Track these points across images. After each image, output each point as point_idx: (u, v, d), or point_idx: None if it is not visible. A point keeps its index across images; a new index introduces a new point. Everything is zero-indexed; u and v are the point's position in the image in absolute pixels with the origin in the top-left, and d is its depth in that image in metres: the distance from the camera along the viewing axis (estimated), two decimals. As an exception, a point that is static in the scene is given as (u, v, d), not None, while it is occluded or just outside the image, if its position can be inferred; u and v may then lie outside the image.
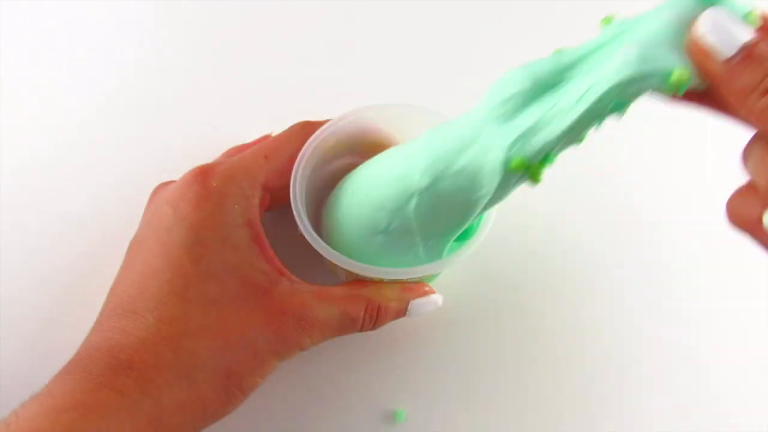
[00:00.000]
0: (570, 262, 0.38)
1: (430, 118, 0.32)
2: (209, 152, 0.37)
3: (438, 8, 0.45)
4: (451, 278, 0.36)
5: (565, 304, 0.37)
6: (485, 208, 0.29)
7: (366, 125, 0.33)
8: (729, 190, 0.23)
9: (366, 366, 0.35)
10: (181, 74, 0.42)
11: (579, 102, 0.24)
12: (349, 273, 0.31)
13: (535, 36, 0.44)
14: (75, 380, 0.27)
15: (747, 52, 0.21)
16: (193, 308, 0.28)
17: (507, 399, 0.35)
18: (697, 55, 0.22)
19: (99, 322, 0.30)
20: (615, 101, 0.24)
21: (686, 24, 0.23)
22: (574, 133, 0.25)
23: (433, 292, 0.33)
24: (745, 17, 0.22)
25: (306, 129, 0.33)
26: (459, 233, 0.30)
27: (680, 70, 0.22)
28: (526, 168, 0.26)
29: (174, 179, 0.33)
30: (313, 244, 0.30)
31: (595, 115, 0.24)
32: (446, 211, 0.29)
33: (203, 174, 0.31)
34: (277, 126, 0.35)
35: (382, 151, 0.31)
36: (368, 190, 0.30)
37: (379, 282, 0.31)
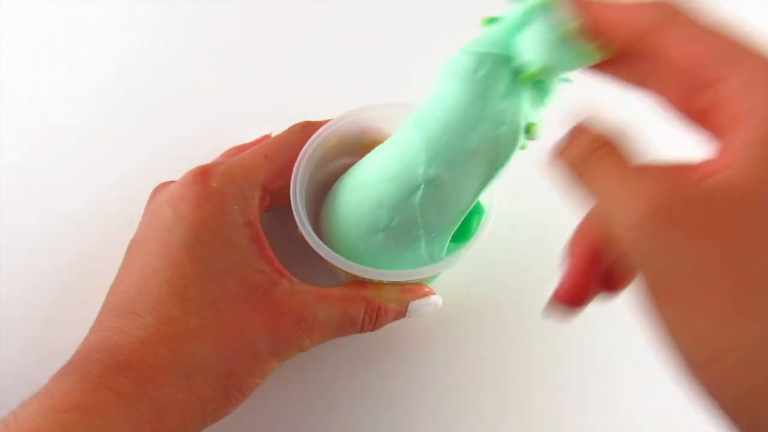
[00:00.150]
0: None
1: None
2: (209, 152, 0.37)
3: (439, 8, 0.45)
4: (450, 279, 0.36)
5: (565, 305, 0.37)
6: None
7: (366, 125, 0.33)
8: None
9: (365, 367, 0.35)
10: (181, 74, 0.42)
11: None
12: (349, 274, 0.31)
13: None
14: (74, 380, 0.27)
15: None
16: (193, 308, 0.28)
17: (507, 399, 0.35)
18: None
19: (98, 322, 0.30)
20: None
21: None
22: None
23: (433, 293, 0.33)
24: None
25: (306, 129, 0.33)
26: (461, 221, 0.30)
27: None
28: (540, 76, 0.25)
29: (174, 179, 0.33)
30: (313, 246, 0.30)
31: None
32: (456, 197, 0.29)
33: (203, 174, 0.31)
34: (277, 126, 0.35)
35: None
36: (366, 189, 0.30)
37: (379, 283, 0.31)
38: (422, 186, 0.28)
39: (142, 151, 0.40)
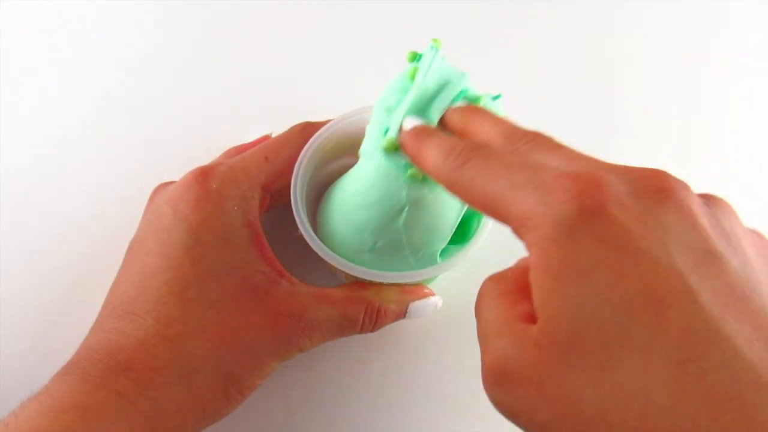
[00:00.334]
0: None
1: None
2: (209, 152, 0.37)
3: (440, 8, 0.44)
4: (450, 280, 0.36)
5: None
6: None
7: (367, 126, 0.33)
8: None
9: (365, 367, 0.35)
10: (181, 74, 0.42)
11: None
12: (348, 274, 0.31)
13: (538, 35, 0.44)
14: (74, 381, 0.27)
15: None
16: (193, 309, 0.28)
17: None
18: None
19: (98, 323, 0.30)
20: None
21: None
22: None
23: (433, 294, 0.33)
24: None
25: (307, 130, 0.33)
26: (449, 240, 0.30)
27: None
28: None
29: (174, 179, 0.33)
30: (313, 246, 0.30)
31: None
32: (442, 215, 0.29)
33: (203, 175, 0.31)
34: (277, 126, 0.35)
35: None
36: (347, 214, 0.30)
37: (379, 284, 0.31)
38: (406, 208, 0.28)
39: (142, 151, 0.40)
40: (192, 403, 0.27)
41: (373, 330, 0.32)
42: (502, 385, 0.20)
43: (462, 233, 0.31)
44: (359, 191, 0.29)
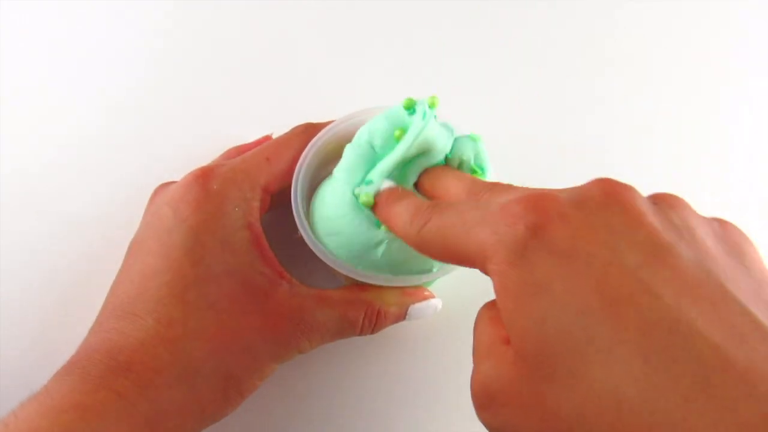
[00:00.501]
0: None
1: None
2: (210, 153, 0.37)
3: (443, 9, 0.44)
4: (450, 282, 0.36)
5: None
6: None
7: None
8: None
9: (364, 369, 0.35)
10: (182, 74, 0.42)
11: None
12: (348, 276, 0.31)
13: (538, 35, 0.44)
14: (73, 381, 0.27)
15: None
16: (192, 310, 0.28)
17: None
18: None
19: (98, 323, 0.30)
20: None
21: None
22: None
23: (433, 297, 0.33)
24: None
25: (308, 131, 0.33)
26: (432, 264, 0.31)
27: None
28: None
29: (174, 179, 0.33)
30: (313, 249, 0.30)
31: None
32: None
33: (204, 176, 0.31)
34: (277, 127, 0.35)
35: None
36: (326, 231, 0.31)
37: (379, 286, 0.31)
38: (385, 242, 0.29)
39: (143, 151, 0.40)
40: (191, 405, 0.27)
41: (372, 332, 0.32)
42: (488, 407, 0.20)
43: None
44: (331, 217, 0.30)
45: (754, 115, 0.43)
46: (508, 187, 0.24)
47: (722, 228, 0.22)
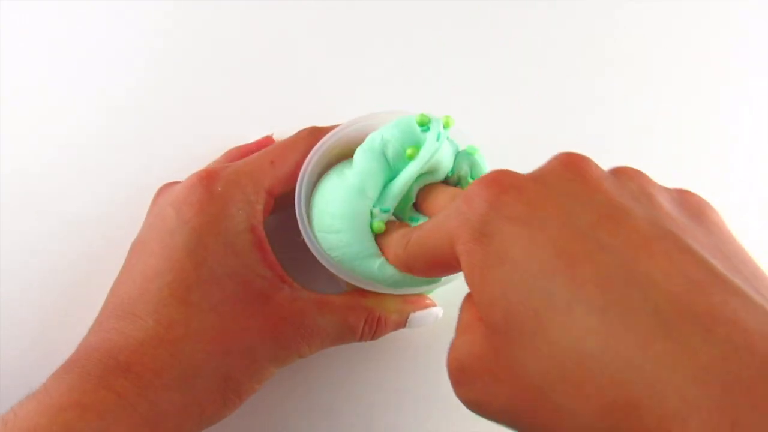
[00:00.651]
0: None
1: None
2: (211, 153, 0.37)
3: (443, 9, 0.44)
4: (452, 290, 0.36)
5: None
6: None
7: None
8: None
9: (363, 374, 0.35)
10: (183, 74, 0.42)
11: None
12: (349, 282, 0.31)
13: (538, 35, 0.44)
14: (73, 379, 0.27)
15: None
16: (193, 312, 0.28)
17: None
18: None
19: (98, 322, 0.30)
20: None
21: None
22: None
23: (434, 305, 0.33)
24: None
25: (313, 135, 0.33)
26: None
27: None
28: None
29: (176, 179, 0.33)
30: (315, 253, 0.30)
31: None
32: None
33: (208, 177, 0.31)
34: (278, 127, 0.35)
35: None
36: (327, 238, 0.31)
37: (380, 293, 0.31)
38: (382, 258, 0.30)
39: (143, 151, 0.40)
40: (190, 407, 0.27)
41: (372, 338, 0.32)
42: (463, 382, 0.21)
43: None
44: (335, 214, 0.30)
45: (754, 115, 0.43)
46: None
47: (683, 195, 0.22)
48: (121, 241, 0.32)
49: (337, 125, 0.33)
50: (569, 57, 0.43)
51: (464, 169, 0.31)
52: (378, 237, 0.30)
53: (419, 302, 0.32)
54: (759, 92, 0.43)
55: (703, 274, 0.17)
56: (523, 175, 0.21)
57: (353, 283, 0.30)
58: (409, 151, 0.30)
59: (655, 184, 0.22)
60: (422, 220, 0.31)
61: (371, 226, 0.30)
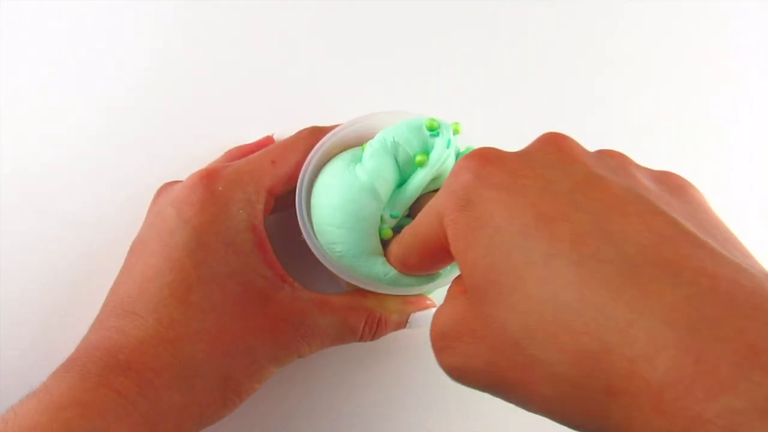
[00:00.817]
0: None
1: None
2: (211, 153, 0.37)
3: (443, 9, 0.44)
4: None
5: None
6: None
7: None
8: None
9: (363, 374, 0.35)
10: (183, 74, 0.42)
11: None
12: (349, 282, 0.31)
13: (538, 35, 0.44)
14: (73, 378, 0.27)
15: None
16: (194, 312, 0.28)
17: (506, 407, 0.35)
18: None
19: (99, 321, 0.30)
20: None
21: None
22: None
23: (435, 306, 0.33)
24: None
25: (314, 134, 0.33)
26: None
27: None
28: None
29: (177, 179, 0.33)
30: (316, 253, 0.30)
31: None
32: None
33: (209, 177, 0.31)
34: (278, 127, 0.35)
35: None
36: (328, 231, 0.31)
37: (381, 293, 0.31)
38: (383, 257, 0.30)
39: (143, 151, 0.40)
40: (190, 406, 0.27)
41: (372, 339, 0.32)
42: (444, 348, 0.22)
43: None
44: (338, 206, 0.30)
45: (754, 115, 0.43)
46: None
47: (665, 174, 0.23)
48: (121, 241, 0.32)
49: (338, 125, 0.33)
50: (569, 57, 0.43)
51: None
52: (383, 242, 0.30)
53: (419, 303, 0.32)
54: (759, 92, 0.43)
55: (674, 230, 0.18)
56: (507, 151, 0.22)
57: (354, 283, 0.30)
58: (419, 158, 0.30)
59: (636, 164, 0.23)
60: None
61: (380, 231, 0.30)
